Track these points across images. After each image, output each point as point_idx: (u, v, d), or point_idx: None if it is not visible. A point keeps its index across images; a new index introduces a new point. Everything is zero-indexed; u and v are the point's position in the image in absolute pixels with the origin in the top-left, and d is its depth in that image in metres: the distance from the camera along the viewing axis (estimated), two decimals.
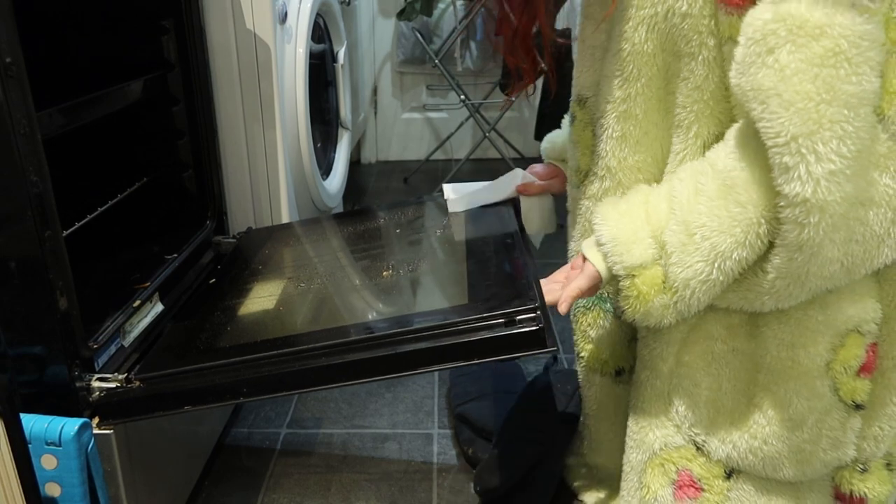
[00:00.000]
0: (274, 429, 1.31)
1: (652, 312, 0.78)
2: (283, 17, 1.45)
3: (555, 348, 0.77)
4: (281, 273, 1.11)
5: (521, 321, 0.78)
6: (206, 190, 1.28)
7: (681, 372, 0.84)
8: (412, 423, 1.32)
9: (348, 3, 2.26)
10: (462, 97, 2.52)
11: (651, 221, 0.77)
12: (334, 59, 1.93)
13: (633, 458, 0.90)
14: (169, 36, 1.19)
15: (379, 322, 0.88)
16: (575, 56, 0.90)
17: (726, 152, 0.72)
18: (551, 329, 0.77)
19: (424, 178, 2.74)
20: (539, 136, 2.50)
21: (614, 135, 0.83)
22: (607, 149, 0.84)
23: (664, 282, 0.76)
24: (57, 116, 0.89)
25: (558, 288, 0.83)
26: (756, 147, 0.68)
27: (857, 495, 0.85)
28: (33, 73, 0.77)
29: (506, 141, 2.74)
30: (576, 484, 1.12)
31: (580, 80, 0.89)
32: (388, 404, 1.37)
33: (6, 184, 0.75)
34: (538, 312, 0.78)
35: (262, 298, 1.03)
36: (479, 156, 2.73)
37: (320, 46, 1.86)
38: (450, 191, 1.16)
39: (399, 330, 0.82)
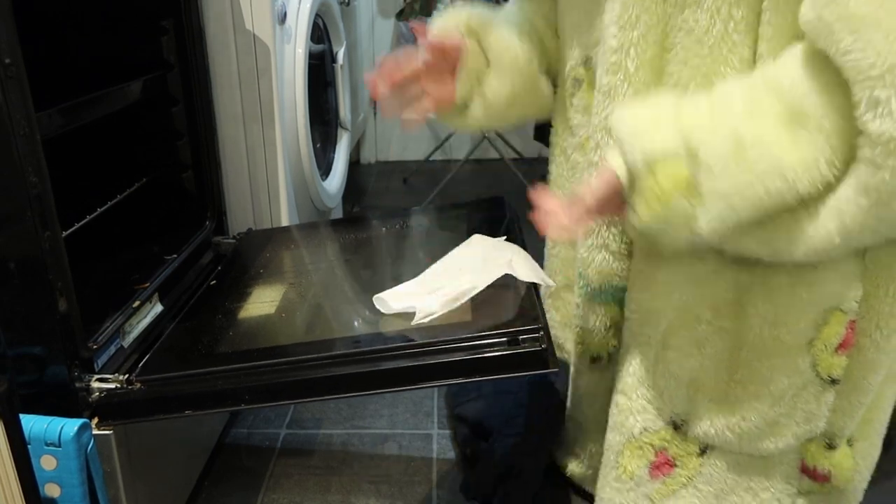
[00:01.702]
0: (274, 429, 1.31)
1: (669, 220, 0.70)
2: (283, 18, 1.45)
3: (557, 369, 0.77)
4: (281, 278, 1.11)
5: (524, 341, 0.78)
6: (205, 190, 1.28)
7: (667, 356, 0.84)
8: (412, 423, 1.32)
9: (347, 4, 2.27)
10: None
11: (681, 117, 0.69)
12: (333, 59, 1.93)
13: (612, 438, 0.90)
14: (168, 36, 1.19)
15: (383, 335, 0.88)
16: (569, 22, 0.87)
17: (792, 77, 0.65)
18: (553, 350, 0.77)
19: (424, 178, 2.74)
20: (538, 136, 2.51)
21: (602, 89, 0.80)
22: (596, 104, 0.81)
23: (689, 185, 0.68)
24: (56, 117, 0.89)
25: (563, 213, 0.75)
26: (832, 79, 0.62)
27: (822, 471, 0.86)
28: (33, 73, 0.77)
29: (505, 141, 2.74)
30: (566, 469, 1.12)
31: (584, 40, 0.85)
32: (387, 405, 1.37)
33: (6, 184, 0.75)
34: (541, 333, 0.78)
35: (262, 303, 1.03)
36: (478, 156, 2.73)
37: (320, 47, 1.86)
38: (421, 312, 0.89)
39: (403, 344, 0.82)
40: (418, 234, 1.21)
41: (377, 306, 0.91)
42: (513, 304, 0.85)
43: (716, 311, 0.81)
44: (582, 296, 0.93)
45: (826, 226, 0.66)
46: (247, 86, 1.32)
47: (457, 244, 1.01)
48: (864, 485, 0.90)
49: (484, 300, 0.86)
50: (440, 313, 0.85)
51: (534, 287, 0.87)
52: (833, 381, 0.79)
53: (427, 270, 0.97)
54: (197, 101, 1.23)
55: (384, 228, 1.24)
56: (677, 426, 0.86)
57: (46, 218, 0.79)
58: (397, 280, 0.97)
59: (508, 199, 1.23)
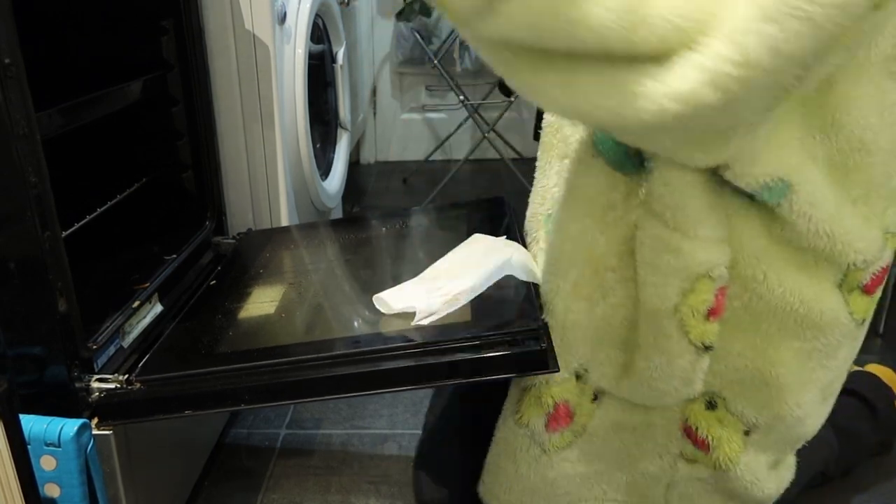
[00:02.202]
0: (273, 429, 1.31)
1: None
2: (283, 18, 1.45)
3: (557, 370, 0.78)
4: (281, 278, 1.11)
5: (524, 341, 0.78)
6: (205, 190, 1.28)
7: (577, 306, 0.83)
8: (412, 423, 1.32)
9: (347, 4, 2.27)
10: (461, 98, 2.52)
11: None
12: (333, 59, 1.93)
13: (513, 384, 0.90)
14: (168, 36, 1.19)
15: (383, 335, 0.88)
16: None
17: None
18: (553, 350, 0.77)
19: (424, 178, 2.74)
20: (538, 136, 2.50)
21: None
22: None
23: None
24: (56, 117, 0.89)
25: None
26: None
27: (702, 436, 0.86)
28: (32, 73, 0.77)
29: (505, 142, 2.74)
30: None
31: None
32: (387, 405, 1.37)
33: (5, 184, 0.75)
34: (541, 333, 0.78)
35: (262, 303, 1.03)
36: (477, 156, 2.73)
37: (319, 47, 1.86)
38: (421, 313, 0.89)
39: (403, 344, 0.82)
40: (418, 234, 1.21)
41: (377, 306, 0.91)
42: (513, 304, 0.85)
43: (620, 259, 0.80)
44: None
45: (665, 84, 0.56)
46: (246, 86, 1.32)
47: (457, 244, 1.01)
48: (768, 487, 0.90)
49: (484, 300, 0.86)
50: (441, 314, 0.85)
51: (534, 287, 0.87)
52: (707, 348, 0.79)
53: (427, 270, 0.97)
54: (197, 102, 1.23)
55: (384, 228, 1.24)
56: (579, 376, 0.86)
57: (46, 218, 0.79)
58: (397, 280, 0.97)
59: (508, 199, 1.23)
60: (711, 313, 0.77)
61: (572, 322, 0.83)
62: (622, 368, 0.84)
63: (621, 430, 0.90)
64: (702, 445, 0.87)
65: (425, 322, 0.85)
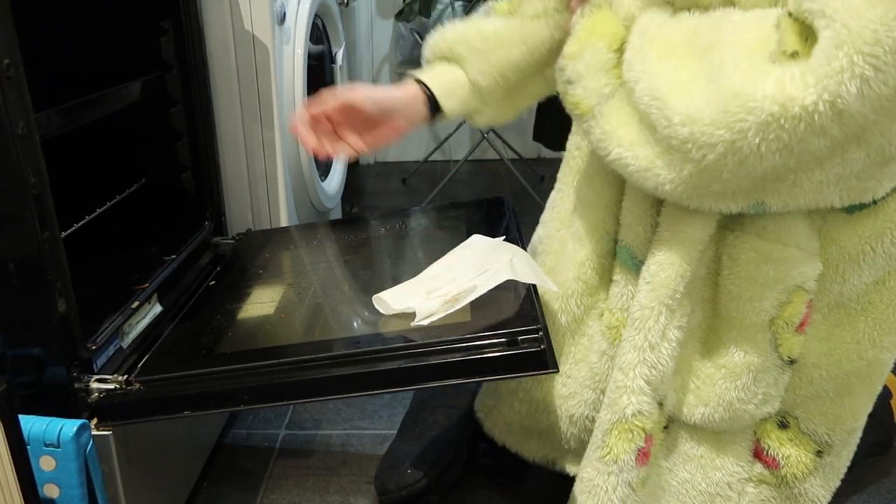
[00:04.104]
0: (273, 430, 1.31)
1: (586, 61, 0.76)
2: (282, 18, 1.45)
3: (556, 370, 0.77)
4: (280, 278, 1.11)
5: (523, 341, 0.78)
6: (204, 191, 1.28)
7: (670, 334, 0.82)
8: None
9: (346, 5, 2.27)
10: None
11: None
12: (333, 60, 1.93)
13: (603, 415, 0.87)
14: (167, 37, 1.19)
15: (382, 336, 0.88)
16: None
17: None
18: (553, 350, 0.77)
19: (423, 178, 2.74)
20: (538, 136, 2.51)
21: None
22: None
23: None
24: (55, 117, 0.89)
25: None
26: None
27: (772, 455, 0.86)
28: (32, 74, 0.77)
29: (504, 142, 2.74)
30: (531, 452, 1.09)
31: None
32: (386, 405, 1.37)
33: (4, 185, 0.75)
34: (540, 333, 0.78)
35: (262, 304, 1.03)
36: (477, 157, 2.73)
37: (319, 47, 1.86)
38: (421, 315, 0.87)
39: (403, 344, 0.82)
40: (417, 234, 1.21)
41: (376, 306, 0.91)
42: (512, 304, 0.85)
43: (701, 282, 0.81)
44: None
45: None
46: (246, 86, 1.32)
47: (456, 244, 1.01)
48: (824, 497, 0.90)
49: (483, 301, 0.86)
50: (441, 315, 0.85)
51: (533, 288, 0.87)
52: (791, 362, 0.80)
53: (426, 270, 0.97)
54: (196, 102, 1.23)
55: (383, 229, 1.24)
56: (661, 403, 0.84)
57: (45, 218, 0.79)
58: (396, 280, 0.97)
59: (508, 199, 1.23)
60: (800, 326, 0.79)
61: (666, 348, 0.82)
62: (697, 393, 0.83)
63: (688, 460, 0.88)
64: (771, 464, 0.87)
65: (425, 323, 0.85)
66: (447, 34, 0.94)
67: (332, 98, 0.90)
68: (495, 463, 1.17)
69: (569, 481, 0.95)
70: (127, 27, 1.19)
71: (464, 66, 0.93)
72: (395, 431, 1.21)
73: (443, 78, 0.93)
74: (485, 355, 0.78)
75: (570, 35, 0.80)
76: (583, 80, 0.78)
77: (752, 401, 0.81)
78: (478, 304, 0.85)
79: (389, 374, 0.80)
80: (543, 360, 0.76)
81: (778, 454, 0.86)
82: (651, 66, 0.71)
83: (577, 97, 0.79)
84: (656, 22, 0.74)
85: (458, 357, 0.78)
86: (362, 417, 1.34)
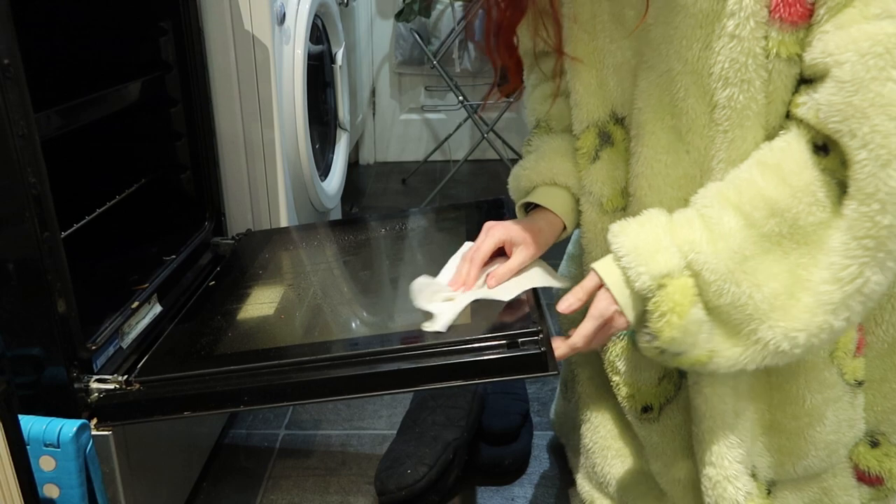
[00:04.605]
0: (272, 430, 1.31)
1: (689, 329, 0.72)
2: (282, 19, 1.45)
3: (556, 372, 0.77)
4: (280, 279, 1.11)
5: (523, 343, 0.78)
6: (204, 191, 1.28)
7: (739, 407, 0.81)
8: None
9: (346, 5, 2.27)
10: (460, 98, 2.52)
11: (676, 235, 0.73)
12: (332, 60, 1.93)
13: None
14: (167, 37, 1.19)
15: (383, 337, 0.88)
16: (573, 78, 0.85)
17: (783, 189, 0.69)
18: (553, 352, 0.77)
19: (423, 179, 2.74)
20: None
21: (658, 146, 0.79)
22: (647, 166, 0.81)
23: (698, 294, 0.72)
24: (55, 118, 0.89)
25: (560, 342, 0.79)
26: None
27: (875, 473, 0.87)
28: (31, 74, 0.77)
29: (504, 142, 2.74)
30: None
31: (613, 97, 0.84)
32: (386, 406, 1.37)
33: (4, 185, 0.75)
34: (540, 336, 0.78)
35: (261, 305, 1.03)
36: (477, 157, 2.73)
37: (318, 48, 1.86)
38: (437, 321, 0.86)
39: (403, 346, 0.82)
40: (417, 235, 1.21)
41: (412, 288, 0.89)
42: (513, 306, 0.85)
43: None
44: (628, 343, 0.91)
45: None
46: (245, 86, 1.32)
47: (456, 245, 1.01)
48: None
49: (484, 303, 0.86)
50: (445, 329, 0.84)
51: (534, 289, 0.87)
52: (860, 384, 0.82)
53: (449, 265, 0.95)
54: (196, 102, 1.23)
55: (383, 230, 1.24)
56: (753, 475, 0.83)
57: (45, 219, 0.79)
58: (396, 281, 0.97)
59: (507, 199, 1.23)
60: (858, 349, 0.81)
61: (742, 425, 0.82)
62: (781, 450, 0.83)
63: None
64: (876, 482, 0.88)
65: (428, 329, 0.84)
66: (541, 166, 0.93)
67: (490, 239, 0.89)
68: (495, 463, 1.17)
69: (569, 481, 0.95)
70: (127, 27, 1.19)
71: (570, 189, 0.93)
72: (395, 431, 1.21)
73: (565, 207, 0.93)
74: (484, 357, 0.78)
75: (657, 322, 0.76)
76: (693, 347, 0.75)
77: (840, 431, 0.82)
78: (479, 307, 0.85)
79: (389, 376, 0.80)
80: (543, 362, 0.76)
81: (880, 471, 0.87)
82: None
83: (693, 357, 0.75)
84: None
85: (459, 359, 0.78)
86: (362, 417, 1.34)
